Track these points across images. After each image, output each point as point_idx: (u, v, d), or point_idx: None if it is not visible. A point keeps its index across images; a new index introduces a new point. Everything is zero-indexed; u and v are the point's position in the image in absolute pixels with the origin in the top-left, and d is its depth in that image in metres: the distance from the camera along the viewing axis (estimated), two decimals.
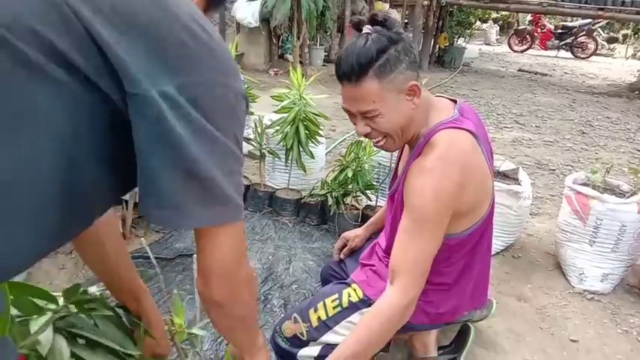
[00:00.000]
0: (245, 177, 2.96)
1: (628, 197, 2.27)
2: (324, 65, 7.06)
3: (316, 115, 2.59)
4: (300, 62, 6.44)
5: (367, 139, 1.69)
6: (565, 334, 2.05)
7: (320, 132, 2.64)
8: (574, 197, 2.34)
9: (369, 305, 1.39)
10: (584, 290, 2.33)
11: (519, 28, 14.29)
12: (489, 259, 1.57)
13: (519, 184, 2.52)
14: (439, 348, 1.74)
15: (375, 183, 2.60)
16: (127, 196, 2.33)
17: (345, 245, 1.82)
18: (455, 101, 1.41)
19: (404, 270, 1.27)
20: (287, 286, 2.17)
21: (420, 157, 1.28)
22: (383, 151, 2.56)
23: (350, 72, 1.22)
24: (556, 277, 2.47)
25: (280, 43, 7.05)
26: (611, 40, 14.84)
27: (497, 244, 2.57)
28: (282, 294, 2.11)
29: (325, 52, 7.45)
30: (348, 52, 1.23)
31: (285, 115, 2.56)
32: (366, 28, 1.24)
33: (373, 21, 1.24)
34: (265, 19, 6.35)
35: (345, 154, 2.59)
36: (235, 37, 4.13)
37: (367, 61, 1.20)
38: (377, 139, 1.34)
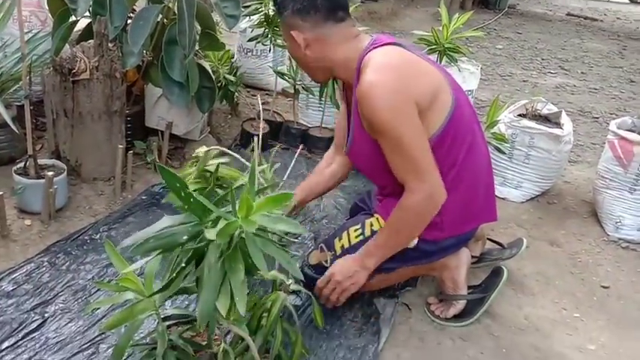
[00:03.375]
0: (278, 114, 2.94)
1: None
2: (362, 2, 6.79)
3: None
4: None
5: None
6: (596, 280, 2.03)
7: None
8: (617, 143, 2.26)
9: None
10: (620, 239, 2.29)
11: None
12: (485, 173, 1.60)
13: (561, 128, 2.44)
14: (469, 287, 1.75)
15: None
16: (162, 127, 2.36)
17: None
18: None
19: (411, 173, 1.39)
20: (318, 221, 2.20)
21: (358, 83, 1.40)
22: None
23: None
24: (591, 225, 2.42)
25: None
26: None
27: (532, 189, 2.52)
28: (312, 228, 2.14)
29: None
30: None
31: None
32: None
33: None
34: None
35: None
36: None
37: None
38: None
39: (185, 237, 0.93)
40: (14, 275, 1.66)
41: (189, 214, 0.94)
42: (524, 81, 4.72)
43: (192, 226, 0.93)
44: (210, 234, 0.84)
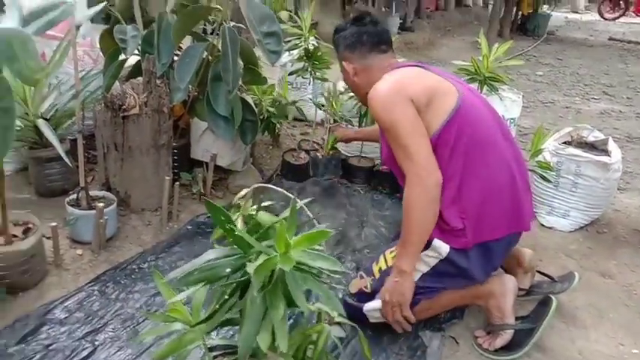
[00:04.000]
0: (318, 144, 2.98)
1: None
2: (399, 33, 6.86)
3: None
4: None
5: None
6: None
7: None
8: None
9: (426, 248, 1.56)
10: None
11: None
12: (508, 179, 1.59)
13: (608, 156, 2.37)
14: (516, 318, 1.69)
15: None
16: (207, 159, 2.42)
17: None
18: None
19: (406, 159, 1.50)
20: (359, 250, 2.19)
21: None
22: None
23: None
24: None
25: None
26: None
27: (580, 218, 2.45)
28: (354, 257, 2.13)
29: (401, 19, 7.25)
30: None
31: None
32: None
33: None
34: None
35: None
36: (311, 4, 4.10)
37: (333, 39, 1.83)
38: None
39: (228, 270, 0.94)
40: (66, 303, 1.72)
41: (233, 247, 0.96)
42: (566, 107, 4.64)
43: (235, 259, 0.95)
44: (251, 268, 0.86)
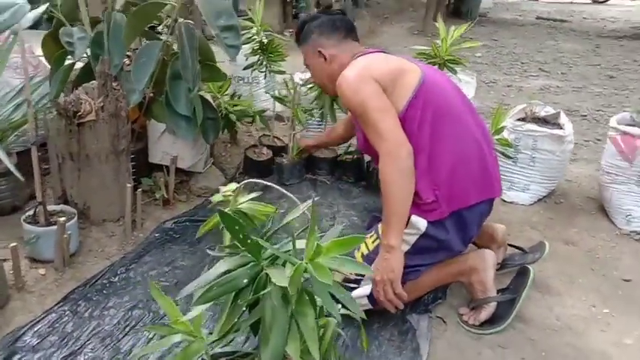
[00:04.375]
0: (278, 138, 2.93)
1: None
2: None
3: None
4: None
5: None
6: (617, 275, 2.04)
7: None
8: (620, 139, 2.30)
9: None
10: (632, 231, 2.31)
11: None
12: (475, 148, 1.66)
13: (561, 129, 2.47)
14: (497, 291, 1.74)
15: None
16: (168, 162, 2.33)
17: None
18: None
19: (377, 138, 1.55)
20: None
21: None
22: None
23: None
24: (600, 220, 2.45)
25: (294, 3, 6.88)
26: None
27: (539, 191, 2.55)
28: None
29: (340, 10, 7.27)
30: None
31: None
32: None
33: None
34: None
35: None
36: None
37: (297, 31, 1.89)
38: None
39: (246, 280, 0.91)
40: (37, 327, 1.61)
41: (244, 254, 0.93)
42: (508, 86, 4.81)
43: (250, 268, 0.92)
44: (280, 280, 0.83)
